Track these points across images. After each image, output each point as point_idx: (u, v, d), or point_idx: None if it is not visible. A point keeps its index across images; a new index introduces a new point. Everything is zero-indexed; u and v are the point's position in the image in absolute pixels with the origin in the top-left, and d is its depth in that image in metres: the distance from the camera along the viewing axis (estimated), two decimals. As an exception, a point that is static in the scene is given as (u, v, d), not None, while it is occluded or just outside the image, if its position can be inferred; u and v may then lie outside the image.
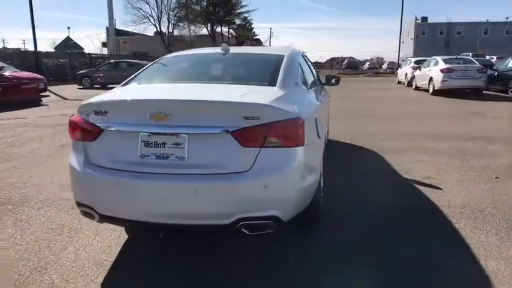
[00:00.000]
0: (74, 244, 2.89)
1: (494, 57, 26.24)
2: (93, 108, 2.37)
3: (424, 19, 66.18)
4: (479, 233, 3.02)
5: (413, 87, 17.30)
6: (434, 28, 64.36)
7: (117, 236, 3.01)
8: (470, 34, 61.06)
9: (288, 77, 2.86)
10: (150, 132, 2.25)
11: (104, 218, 2.41)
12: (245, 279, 2.41)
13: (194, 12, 45.43)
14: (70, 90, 18.45)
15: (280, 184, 2.24)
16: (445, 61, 14.54)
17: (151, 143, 2.26)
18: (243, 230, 2.24)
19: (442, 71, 13.83)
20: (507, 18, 63.89)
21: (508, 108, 10.96)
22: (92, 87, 20.42)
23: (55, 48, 58.45)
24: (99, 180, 2.32)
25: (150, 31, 51.71)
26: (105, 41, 51.03)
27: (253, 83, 2.74)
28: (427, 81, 14.97)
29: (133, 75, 3.18)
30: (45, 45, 58.17)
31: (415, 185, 4.17)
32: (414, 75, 17.38)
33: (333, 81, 4.61)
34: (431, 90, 14.61)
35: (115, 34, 49.76)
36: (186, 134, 2.21)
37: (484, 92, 14.37)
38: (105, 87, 20.70)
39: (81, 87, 20.56)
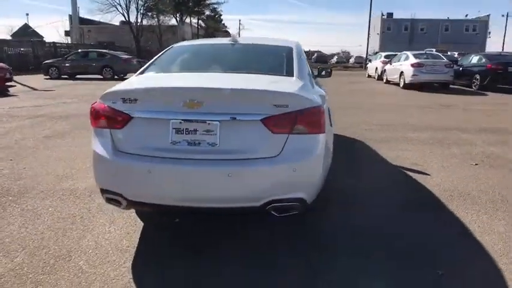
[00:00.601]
0: (91, 232, 2.91)
1: (456, 54, 27.64)
2: (120, 96, 2.40)
3: (390, 15, 68.10)
4: (471, 213, 3.31)
5: (384, 81, 17.94)
6: (399, 24, 66.44)
7: (133, 223, 3.05)
8: (432, 30, 63.67)
9: (302, 68, 3.00)
10: (182, 120, 2.31)
11: (132, 204, 2.46)
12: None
13: (163, 2, 44.42)
14: (37, 80, 17.65)
15: (306, 168, 2.38)
16: (415, 56, 15.20)
17: (183, 130, 2.32)
18: (271, 212, 2.37)
19: (412, 65, 14.47)
20: (466, 16, 67.17)
21: (474, 101, 11.66)
22: (59, 78, 19.64)
23: (12, 35, 55.24)
24: (129, 167, 2.36)
25: (117, 20, 50.11)
26: (68, 29, 48.95)
27: (272, 73, 2.85)
28: (398, 75, 15.59)
29: (146, 65, 3.19)
30: (0, 32, 54.62)
31: (405, 171, 4.45)
32: (385, 69, 18.02)
33: (324, 73, 4.77)
34: (402, 84, 15.24)
35: (79, 23, 47.88)
36: (218, 121, 2.30)
37: (451, 86, 15.18)
38: (73, 77, 20.04)
39: (47, 77, 19.70)
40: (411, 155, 5.15)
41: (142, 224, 3.06)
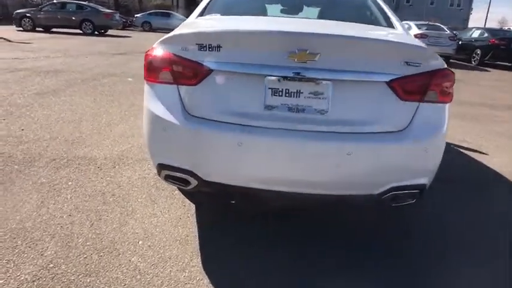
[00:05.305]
0: (133, 216, 2.32)
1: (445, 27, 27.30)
2: (196, 41, 1.75)
3: (376, -15, 66.76)
4: (558, 200, 2.94)
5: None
6: (385, -6, 65.37)
7: (181, 205, 2.48)
8: (418, 3, 63.05)
9: (399, 20, 2.41)
10: (282, 77, 1.71)
11: (206, 185, 1.86)
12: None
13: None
14: (8, 32, 15.98)
15: (436, 147, 1.86)
16: (418, 26, 14.65)
17: (282, 91, 1.73)
18: (386, 202, 1.85)
19: (416, 36, 13.93)
20: (451, -10, 66.63)
21: (481, 76, 11.38)
22: (33, 30, 17.95)
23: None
24: (208, 137, 1.75)
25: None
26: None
27: (373, 23, 2.26)
28: (398, 46, 15.02)
29: (202, 6, 2.49)
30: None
31: (461, 150, 4.04)
32: (382, 40, 17.40)
33: None
34: (402, 55, 14.71)
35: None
36: (330, 80, 1.71)
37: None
38: (48, 30, 18.39)
39: (20, 29, 17.96)
40: (455, 132, 4.72)
41: (193, 205, 2.49)
